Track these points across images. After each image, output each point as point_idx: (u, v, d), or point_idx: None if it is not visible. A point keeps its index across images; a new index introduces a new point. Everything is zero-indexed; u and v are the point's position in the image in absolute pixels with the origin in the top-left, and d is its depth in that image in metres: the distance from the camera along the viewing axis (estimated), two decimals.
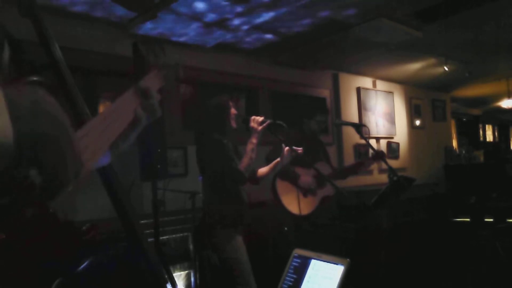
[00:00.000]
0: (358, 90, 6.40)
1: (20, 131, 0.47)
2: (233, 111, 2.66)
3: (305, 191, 3.48)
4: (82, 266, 0.71)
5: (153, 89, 0.91)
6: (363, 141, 3.84)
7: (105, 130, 0.75)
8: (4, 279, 0.59)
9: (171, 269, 3.31)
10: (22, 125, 0.48)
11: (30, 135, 0.49)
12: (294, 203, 3.41)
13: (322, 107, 4.91)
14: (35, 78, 0.66)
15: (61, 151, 0.53)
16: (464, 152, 8.50)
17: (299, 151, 2.67)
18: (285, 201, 3.39)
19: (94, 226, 0.73)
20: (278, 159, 2.74)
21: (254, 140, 2.56)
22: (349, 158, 6.10)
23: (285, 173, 3.42)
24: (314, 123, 3.76)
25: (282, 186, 3.44)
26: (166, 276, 1.12)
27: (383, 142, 6.71)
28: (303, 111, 3.90)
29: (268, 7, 3.59)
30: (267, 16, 3.78)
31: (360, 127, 3.26)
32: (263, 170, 2.81)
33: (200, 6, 3.46)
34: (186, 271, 3.54)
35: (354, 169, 3.73)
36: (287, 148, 2.70)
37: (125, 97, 0.86)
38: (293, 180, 3.46)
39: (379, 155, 3.52)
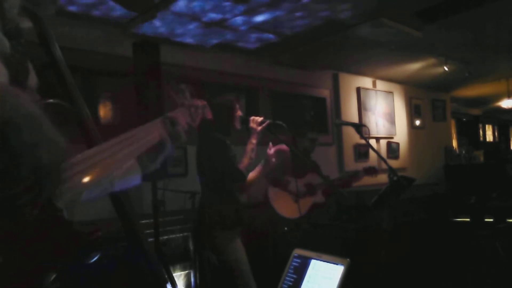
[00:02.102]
0: (358, 90, 6.40)
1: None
2: (238, 112, 2.64)
3: (295, 197, 3.52)
4: (82, 263, 0.71)
5: (180, 119, 1.06)
6: (363, 141, 3.85)
7: (112, 155, 0.84)
8: (3, 278, 0.59)
9: (171, 269, 3.30)
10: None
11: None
12: (285, 207, 3.46)
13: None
14: (51, 100, 0.79)
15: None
16: (464, 152, 8.50)
17: (285, 149, 2.66)
18: (277, 206, 3.45)
19: (98, 228, 0.74)
20: (260, 166, 2.71)
21: (253, 140, 2.56)
22: (349, 158, 6.10)
23: (276, 181, 3.48)
24: (306, 141, 3.78)
25: (273, 193, 3.53)
26: (166, 276, 1.12)
27: (383, 142, 6.71)
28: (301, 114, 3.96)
29: (268, 7, 3.58)
30: (267, 16, 3.78)
31: (360, 127, 3.26)
32: (251, 176, 2.71)
33: (200, 6, 3.46)
34: (186, 271, 3.53)
35: (347, 183, 3.78)
36: (273, 149, 2.68)
37: (151, 124, 0.99)
38: (284, 187, 3.54)
39: (370, 171, 3.61)
